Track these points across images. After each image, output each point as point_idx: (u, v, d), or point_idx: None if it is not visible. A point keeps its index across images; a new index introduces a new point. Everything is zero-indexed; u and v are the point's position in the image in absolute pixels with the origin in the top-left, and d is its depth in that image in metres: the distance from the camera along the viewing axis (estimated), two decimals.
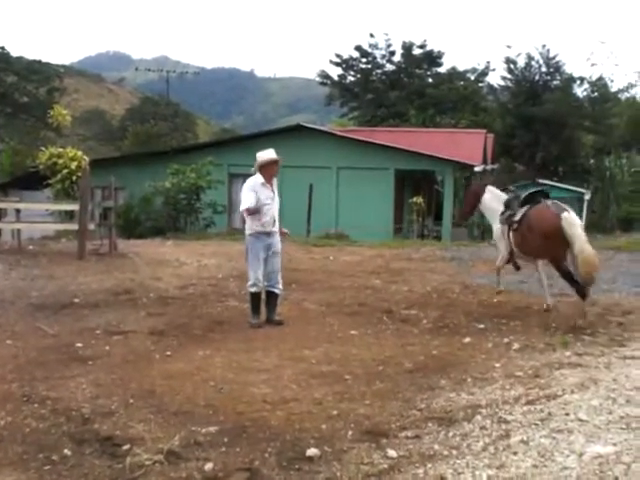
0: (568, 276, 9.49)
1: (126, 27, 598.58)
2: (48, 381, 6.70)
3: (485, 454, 4.84)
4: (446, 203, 28.69)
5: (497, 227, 10.54)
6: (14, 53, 69.48)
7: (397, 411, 5.82)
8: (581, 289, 9.33)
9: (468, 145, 32.33)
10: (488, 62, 60.48)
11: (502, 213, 10.34)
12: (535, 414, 5.53)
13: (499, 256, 10.69)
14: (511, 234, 10.13)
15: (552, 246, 9.53)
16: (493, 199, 10.74)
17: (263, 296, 9.37)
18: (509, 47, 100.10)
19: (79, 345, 7.96)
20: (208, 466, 4.79)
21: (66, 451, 5.07)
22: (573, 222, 9.44)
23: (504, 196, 10.67)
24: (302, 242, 17.71)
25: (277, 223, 9.44)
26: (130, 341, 8.21)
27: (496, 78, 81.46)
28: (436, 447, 5.04)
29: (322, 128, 34.04)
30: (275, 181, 9.54)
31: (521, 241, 9.99)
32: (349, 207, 27.40)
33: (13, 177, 29.72)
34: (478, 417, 5.58)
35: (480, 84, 59.62)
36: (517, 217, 10.00)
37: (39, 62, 70.89)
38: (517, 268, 10.79)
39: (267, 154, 9.34)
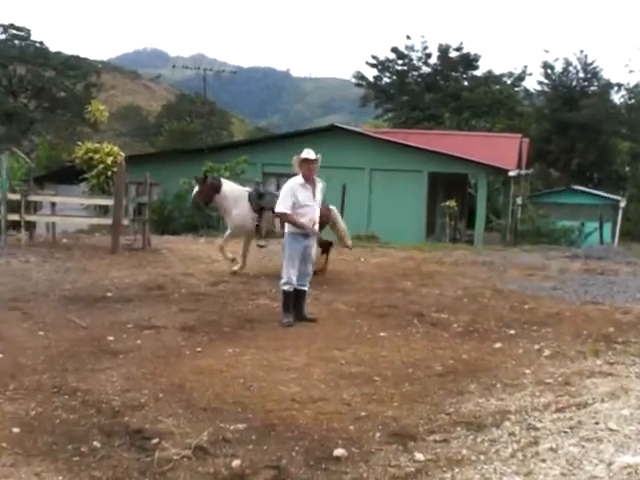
0: (326, 245, 13.03)
1: (163, 25, 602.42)
2: (79, 373, 6.76)
3: (513, 461, 4.81)
4: (479, 207, 28.51)
5: (238, 213, 12.88)
6: (52, 48, 70.11)
7: (425, 414, 5.81)
8: (328, 248, 13.12)
9: (503, 149, 32.11)
10: (525, 66, 60.23)
11: (254, 201, 12.79)
12: (565, 422, 5.49)
13: (227, 236, 13.19)
14: (277, 219, 12.21)
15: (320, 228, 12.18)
16: (234, 190, 13.13)
17: None
18: (547, 52, 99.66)
19: (110, 338, 8.03)
20: (235, 463, 4.82)
21: (95, 443, 5.13)
22: (337, 213, 13.41)
23: (243, 188, 13.33)
24: (333, 243, 17.69)
25: (316, 225, 9.50)
26: (161, 336, 8.26)
27: (533, 83, 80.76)
28: (464, 452, 5.02)
29: (356, 129, 34.02)
30: (319, 183, 9.50)
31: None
32: (381, 209, 27.34)
33: (49, 171, 30.01)
34: (507, 423, 5.55)
35: (516, 88, 59.25)
36: None
37: (77, 57, 71.24)
38: (262, 246, 13.29)
39: (303, 153, 9.34)
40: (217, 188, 12.96)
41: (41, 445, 5.10)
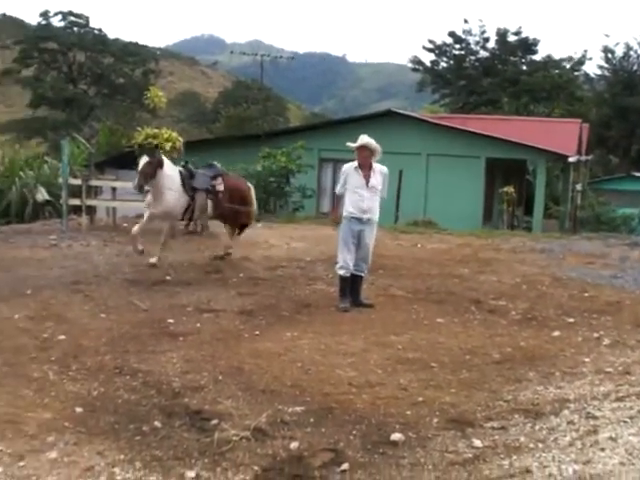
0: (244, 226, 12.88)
1: (221, 11, 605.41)
2: (140, 354, 6.90)
3: (572, 449, 4.80)
4: (538, 193, 28.09)
5: (173, 194, 11.53)
6: (111, 35, 71.11)
7: (483, 401, 5.81)
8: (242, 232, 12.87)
9: (562, 135, 31.55)
10: (585, 51, 59.29)
11: (186, 182, 11.71)
12: (624, 411, 5.45)
13: (169, 225, 11.93)
14: (210, 201, 12.01)
15: (244, 204, 12.59)
16: (171, 169, 11.74)
17: None
18: (607, 36, 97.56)
19: (170, 321, 8.15)
20: (294, 445, 4.88)
21: (156, 423, 5.24)
22: (253, 193, 13.06)
23: (176, 167, 12.02)
24: (390, 228, 17.68)
25: (371, 213, 9.32)
26: (220, 319, 8.35)
27: (593, 67, 79.40)
28: (522, 439, 5.02)
29: (413, 114, 33.80)
30: (379, 169, 9.39)
31: (220, 204, 12.13)
32: (438, 194, 27.10)
33: (109, 156, 30.43)
34: (566, 411, 5.53)
35: (576, 73, 58.26)
36: (222, 187, 12.15)
37: (135, 44, 72.25)
38: (194, 232, 12.74)
39: (358, 140, 9.33)
40: (162, 163, 11.42)
41: (103, 424, 5.22)
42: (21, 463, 4.53)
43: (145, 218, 11.73)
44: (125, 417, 5.35)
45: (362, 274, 9.47)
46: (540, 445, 4.90)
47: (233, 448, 4.83)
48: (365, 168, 9.27)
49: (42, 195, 19.41)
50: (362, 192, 9.22)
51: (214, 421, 5.26)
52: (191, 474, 4.46)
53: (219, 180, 12.26)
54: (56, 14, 66.43)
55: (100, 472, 4.45)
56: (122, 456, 4.69)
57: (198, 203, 11.91)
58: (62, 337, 7.39)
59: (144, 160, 11.23)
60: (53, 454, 4.67)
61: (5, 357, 6.63)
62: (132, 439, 4.98)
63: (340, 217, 9.56)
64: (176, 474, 4.48)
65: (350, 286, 9.32)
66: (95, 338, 7.42)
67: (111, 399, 5.73)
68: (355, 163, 9.31)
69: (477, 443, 4.94)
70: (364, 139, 9.28)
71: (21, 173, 20.37)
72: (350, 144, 9.39)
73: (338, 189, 9.55)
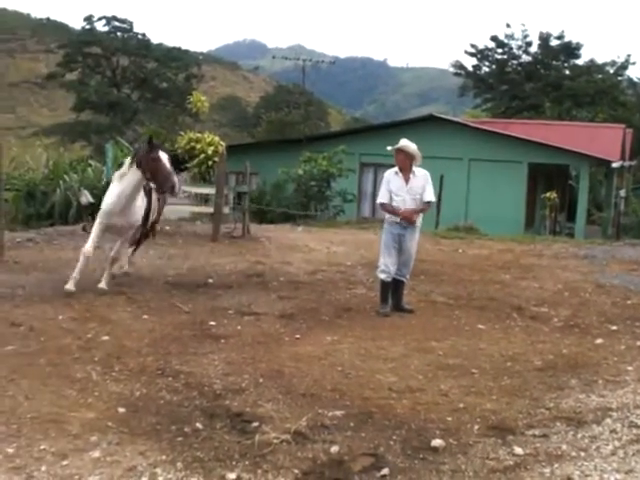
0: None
1: (262, 16, 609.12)
2: (182, 356, 6.93)
3: (614, 458, 4.75)
4: (580, 199, 27.86)
5: (141, 199, 9.79)
6: (154, 40, 71.98)
7: (525, 409, 5.76)
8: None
9: (606, 140, 31.24)
10: (628, 55, 58.32)
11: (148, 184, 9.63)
12: None
13: (124, 239, 10.01)
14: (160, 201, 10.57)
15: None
16: None
17: None
18: None
19: (212, 323, 8.20)
20: (334, 449, 4.87)
21: (198, 424, 5.25)
22: None
23: None
24: (431, 234, 17.62)
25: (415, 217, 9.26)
26: (261, 322, 8.38)
27: (636, 72, 78.32)
28: (564, 447, 4.97)
29: (454, 119, 33.68)
30: (419, 173, 9.31)
31: (159, 206, 10.68)
32: (480, 200, 26.97)
33: None
34: (608, 420, 5.46)
35: (619, 77, 57.57)
36: None
37: (178, 49, 72.98)
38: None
39: (397, 144, 9.33)
40: None
41: (145, 425, 5.24)
42: (64, 462, 4.57)
43: (97, 232, 9.91)
44: (167, 418, 5.38)
45: (404, 279, 9.44)
46: (582, 454, 4.85)
47: (274, 451, 4.84)
48: (405, 171, 9.27)
49: (86, 198, 19.60)
50: (403, 195, 9.19)
51: (255, 424, 5.27)
52: (232, 476, 4.48)
53: None
54: (100, 19, 67.54)
55: (142, 472, 4.48)
56: (164, 457, 4.72)
57: (154, 206, 10.35)
58: (105, 338, 7.45)
59: (166, 156, 9.41)
60: (96, 454, 4.70)
61: (49, 357, 6.70)
62: (174, 440, 5.00)
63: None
64: (217, 475, 4.50)
65: (392, 291, 9.31)
66: (138, 339, 7.48)
67: (153, 400, 5.76)
68: (395, 168, 9.32)
69: (518, 450, 4.90)
70: (401, 142, 9.29)
71: (65, 176, 20.58)
72: (389, 147, 9.42)
73: (381, 198, 9.36)
